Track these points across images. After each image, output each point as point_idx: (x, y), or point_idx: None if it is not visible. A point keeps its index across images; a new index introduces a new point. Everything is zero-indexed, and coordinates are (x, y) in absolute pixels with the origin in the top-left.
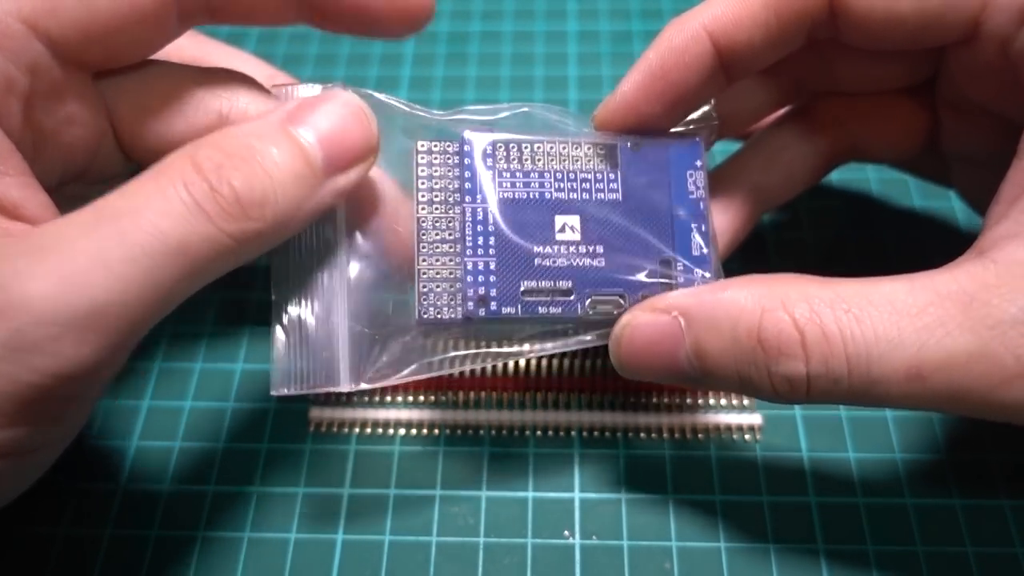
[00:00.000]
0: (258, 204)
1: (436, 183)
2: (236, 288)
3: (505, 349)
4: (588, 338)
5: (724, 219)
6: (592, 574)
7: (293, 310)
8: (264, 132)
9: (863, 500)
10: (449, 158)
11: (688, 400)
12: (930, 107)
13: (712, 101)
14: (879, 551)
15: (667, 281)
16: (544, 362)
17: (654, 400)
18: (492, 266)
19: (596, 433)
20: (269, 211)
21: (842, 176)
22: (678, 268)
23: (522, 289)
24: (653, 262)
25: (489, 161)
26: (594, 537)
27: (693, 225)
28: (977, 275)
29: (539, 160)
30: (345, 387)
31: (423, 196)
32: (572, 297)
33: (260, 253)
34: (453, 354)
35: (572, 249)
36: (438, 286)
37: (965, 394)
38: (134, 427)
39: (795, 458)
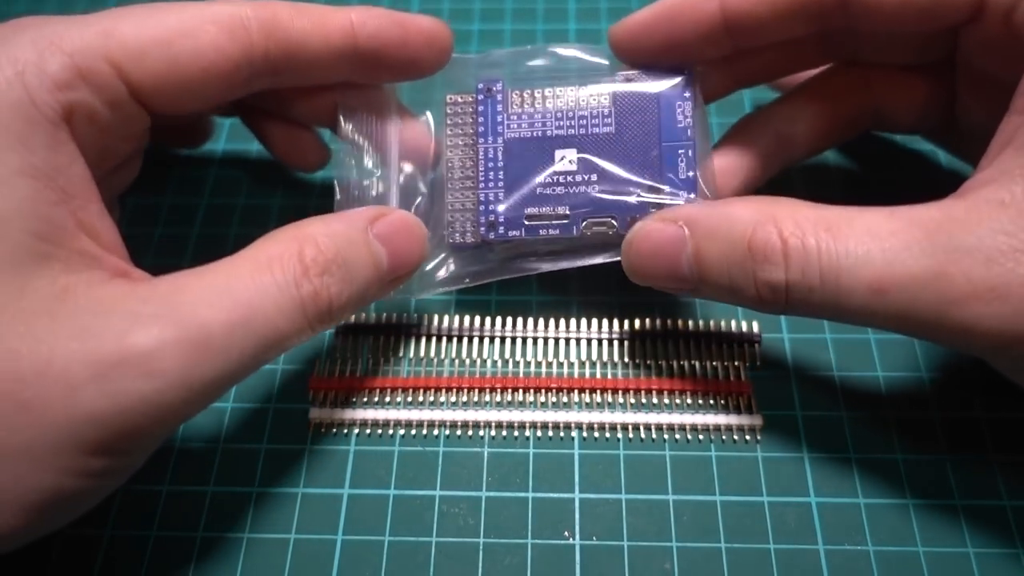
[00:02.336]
0: (342, 309)
1: (460, 129)
2: None
3: (521, 264)
4: (595, 260)
5: (743, 158)
6: (592, 574)
7: None
8: (354, 239)
9: (863, 500)
10: (469, 106)
11: (688, 400)
12: (950, 82)
13: None
14: (879, 551)
15: (655, 202)
16: (544, 362)
17: (654, 400)
18: (500, 196)
19: (596, 433)
20: (347, 314)
21: None
22: (665, 191)
23: (526, 215)
24: (642, 187)
25: (499, 106)
26: (594, 537)
27: (680, 151)
28: (947, 208)
29: (544, 102)
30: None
31: (451, 141)
32: (568, 221)
33: None
34: (479, 267)
35: (569, 179)
36: (462, 215)
37: (922, 311)
38: None
39: (795, 458)
